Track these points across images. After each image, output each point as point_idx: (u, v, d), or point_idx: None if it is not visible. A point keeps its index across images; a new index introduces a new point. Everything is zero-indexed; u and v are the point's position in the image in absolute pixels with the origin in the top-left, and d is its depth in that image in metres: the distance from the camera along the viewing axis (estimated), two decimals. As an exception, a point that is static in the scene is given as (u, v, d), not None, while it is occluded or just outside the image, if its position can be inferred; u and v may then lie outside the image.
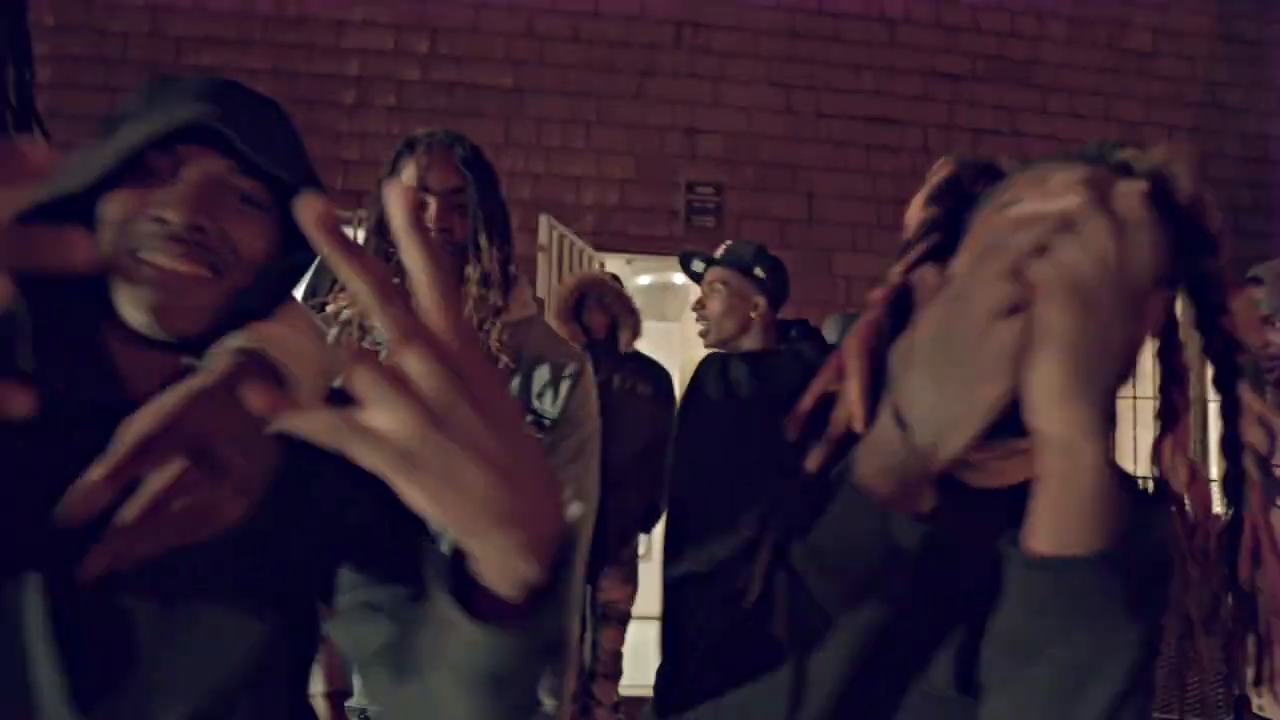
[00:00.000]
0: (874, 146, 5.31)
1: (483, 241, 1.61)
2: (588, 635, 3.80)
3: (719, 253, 2.87)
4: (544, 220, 4.34)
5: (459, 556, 0.57)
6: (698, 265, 2.91)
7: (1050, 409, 0.64)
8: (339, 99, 5.03)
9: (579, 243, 4.71)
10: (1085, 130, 5.49)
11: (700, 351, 2.50)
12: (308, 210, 0.46)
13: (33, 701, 0.73)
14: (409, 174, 1.63)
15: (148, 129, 0.82)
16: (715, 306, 2.74)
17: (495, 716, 0.64)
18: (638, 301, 3.78)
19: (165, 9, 4.95)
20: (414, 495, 0.48)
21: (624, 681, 3.83)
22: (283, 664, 0.86)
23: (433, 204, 1.61)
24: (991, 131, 5.41)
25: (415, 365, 0.47)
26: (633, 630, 3.79)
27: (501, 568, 0.55)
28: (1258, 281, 2.04)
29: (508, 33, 5.16)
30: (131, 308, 0.81)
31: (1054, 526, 0.66)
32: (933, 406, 0.68)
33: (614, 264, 5.08)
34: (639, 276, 6.42)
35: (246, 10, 5.00)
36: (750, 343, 2.83)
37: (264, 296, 0.90)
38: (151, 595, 0.77)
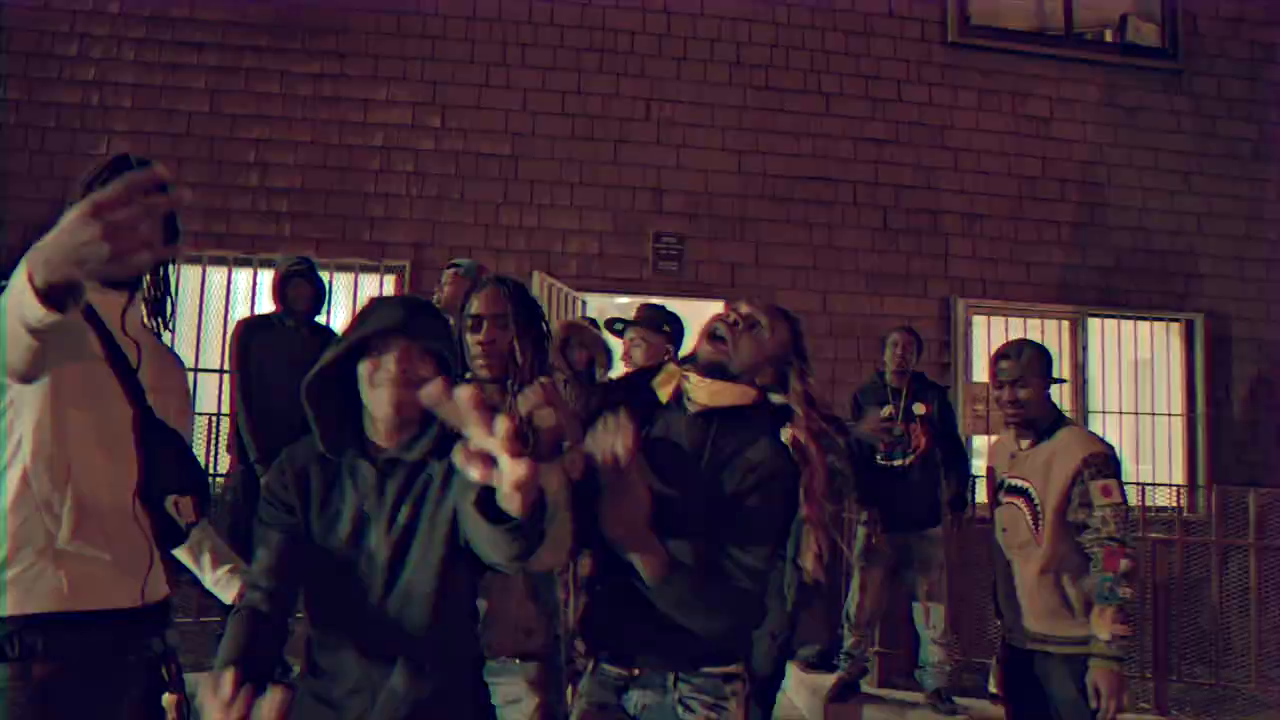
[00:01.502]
0: (810, 201, 6.30)
1: (518, 346, 2.46)
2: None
3: (634, 316, 3.77)
4: (536, 275, 5.36)
5: (489, 491, 1.30)
6: (619, 326, 3.81)
7: None
8: (366, 165, 5.99)
9: (564, 288, 5.70)
10: (991, 184, 6.51)
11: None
12: (464, 393, 1.48)
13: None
14: (475, 305, 2.45)
15: (359, 335, 1.69)
16: (638, 356, 3.66)
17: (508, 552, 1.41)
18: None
19: (222, 91, 5.93)
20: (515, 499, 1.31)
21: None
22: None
23: (486, 324, 2.44)
24: (909, 187, 6.41)
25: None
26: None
27: (510, 507, 1.28)
28: (1006, 356, 3.01)
29: (506, 108, 6.12)
30: (381, 410, 1.69)
31: None
32: None
33: (595, 301, 6.08)
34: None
35: (290, 91, 5.98)
36: None
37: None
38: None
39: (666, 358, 3.52)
